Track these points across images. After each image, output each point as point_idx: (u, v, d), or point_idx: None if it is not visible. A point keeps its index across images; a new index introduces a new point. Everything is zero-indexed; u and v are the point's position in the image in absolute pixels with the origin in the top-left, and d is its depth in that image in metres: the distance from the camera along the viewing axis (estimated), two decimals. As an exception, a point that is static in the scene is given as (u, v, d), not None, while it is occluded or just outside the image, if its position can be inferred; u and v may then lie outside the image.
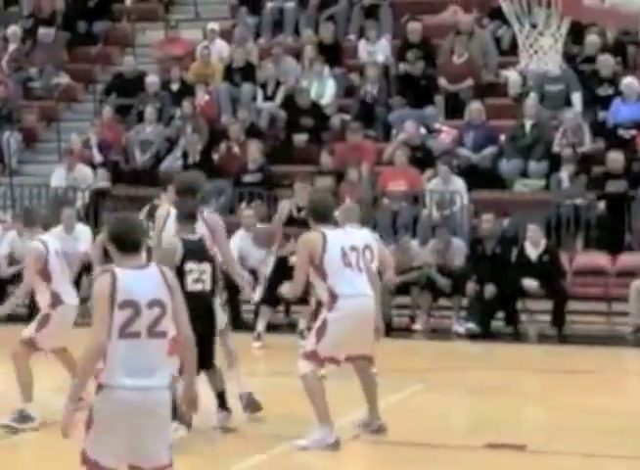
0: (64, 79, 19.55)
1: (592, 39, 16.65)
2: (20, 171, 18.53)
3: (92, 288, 5.86)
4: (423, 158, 16.27)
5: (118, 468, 5.77)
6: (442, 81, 17.29)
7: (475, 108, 16.49)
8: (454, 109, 16.99)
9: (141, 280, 5.72)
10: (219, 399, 8.95)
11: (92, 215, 16.71)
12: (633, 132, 15.65)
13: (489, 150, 16.24)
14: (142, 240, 5.96)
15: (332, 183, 16.00)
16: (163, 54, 19.16)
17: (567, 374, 11.79)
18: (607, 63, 16.39)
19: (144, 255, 5.92)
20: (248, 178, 16.42)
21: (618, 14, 7.89)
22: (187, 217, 8.81)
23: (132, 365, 5.66)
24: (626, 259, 14.51)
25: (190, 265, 8.65)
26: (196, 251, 8.72)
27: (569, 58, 16.40)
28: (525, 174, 15.96)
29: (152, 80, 18.40)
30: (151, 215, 9.88)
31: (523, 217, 14.92)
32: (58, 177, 17.32)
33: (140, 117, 18.01)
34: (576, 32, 16.06)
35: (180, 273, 8.31)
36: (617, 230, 14.84)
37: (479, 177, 15.94)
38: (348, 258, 8.56)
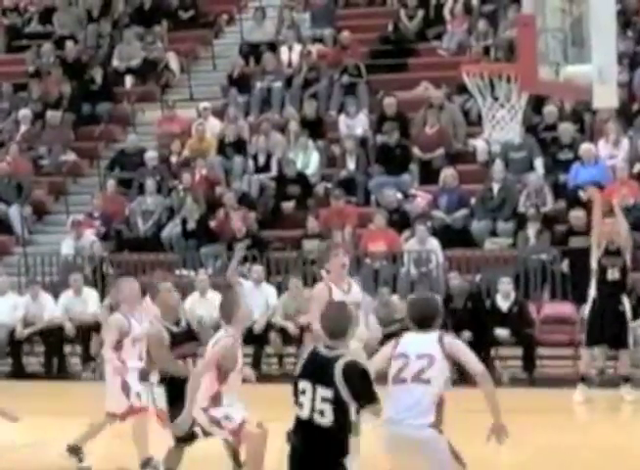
0: (70, 157, 19.72)
1: (551, 109, 16.90)
2: (31, 241, 18.65)
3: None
4: (400, 220, 16.48)
5: None
6: (416, 150, 17.53)
7: (449, 174, 16.71)
8: (428, 175, 17.21)
9: (418, 340, 6.69)
10: None
11: (100, 280, 16.84)
12: (592, 193, 15.88)
13: (461, 212, 16.44)
14: (435, 318, 6.83)
15: (319, 246, 16.25)
16: (162, 131, 19.36)
17: (538, 414, 11.89)
18: (566, 130, 16.62)
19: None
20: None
21: (572, 87, 8.06)
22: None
23: (397, 405, 6.53)
24: (590, 308, 14.58)
25: None
26: None
27: (530, 126, 16.70)
28: (494, 233, 16.14)
29: (151, 156, 18.63)
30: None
31: (493, 272, 15.08)
32: (67, 246, 17.48)
33: (141, 190, 18.21)
34: (537, 103, 16.42)
35: None
36: (580, 282, 14.79)
37: (452, 237, 16.10)
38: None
